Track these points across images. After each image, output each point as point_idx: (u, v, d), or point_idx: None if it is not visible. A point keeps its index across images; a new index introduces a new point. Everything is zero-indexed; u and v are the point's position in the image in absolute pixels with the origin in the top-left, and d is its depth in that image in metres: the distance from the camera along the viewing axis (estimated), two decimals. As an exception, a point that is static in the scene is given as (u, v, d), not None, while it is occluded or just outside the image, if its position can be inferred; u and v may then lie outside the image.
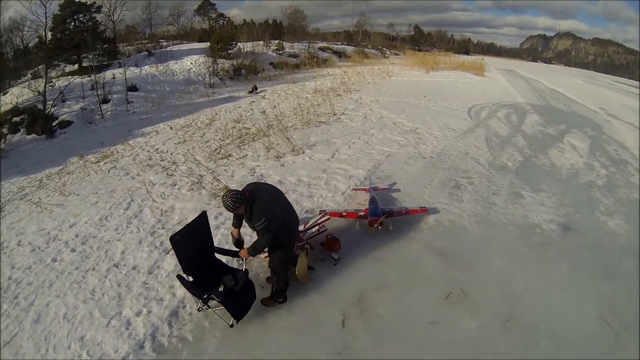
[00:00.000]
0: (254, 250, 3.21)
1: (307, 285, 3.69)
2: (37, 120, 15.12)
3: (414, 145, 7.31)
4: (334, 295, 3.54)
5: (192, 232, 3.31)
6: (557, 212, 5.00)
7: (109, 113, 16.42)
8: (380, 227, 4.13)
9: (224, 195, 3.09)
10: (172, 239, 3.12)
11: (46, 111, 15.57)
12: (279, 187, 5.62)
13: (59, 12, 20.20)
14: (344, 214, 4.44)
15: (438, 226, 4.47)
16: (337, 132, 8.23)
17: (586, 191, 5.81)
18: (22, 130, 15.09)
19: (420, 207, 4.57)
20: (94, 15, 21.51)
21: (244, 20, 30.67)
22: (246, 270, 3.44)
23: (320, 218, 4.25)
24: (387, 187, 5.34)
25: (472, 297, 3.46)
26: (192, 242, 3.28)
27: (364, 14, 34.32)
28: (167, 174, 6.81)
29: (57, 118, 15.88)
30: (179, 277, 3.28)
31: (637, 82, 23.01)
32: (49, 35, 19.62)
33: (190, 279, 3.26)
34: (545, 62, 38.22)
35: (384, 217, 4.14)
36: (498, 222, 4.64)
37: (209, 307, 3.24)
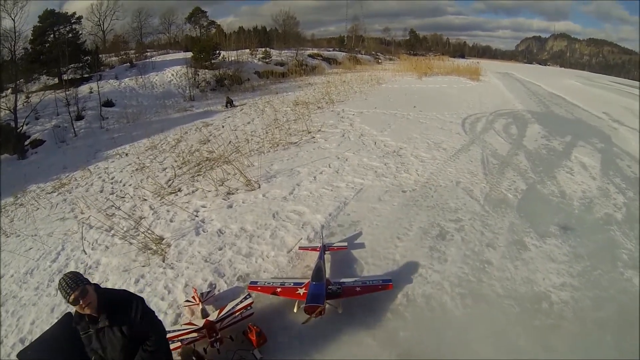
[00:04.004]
0: None
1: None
2: (10, 139, 14.39)
3: (394, 173, 6.14)
4: None
5: (54, 340, 2.53)
6: (570, 269, 3.83)
7: (82, 131, 15.64)
8: (320, 316, 2.97)
9: None
10: (23, 355, 2.43)
11: (18, 129, 14.78)
12: (215, 237, 4.64)
13: (38, 24, 19.53)
14: (279, 290, 3.27)
15: (407, 305, 3.26)
16: (306, 157, 7.11)
17: (604, 231, 4.66)
18: (-6, 150, 14.37)
19: (383, 281, 3.34)
20: (74, 26, 20.79)
21: (240, 27, 29.74)
22: None
23: (241, 302, 3.07)
24: (344, 245, 4.07)
25: None
26: (57, 353, 2.48)
27: (358, 18, 33.46)
28: (107, 214, 6.30)
29: (29, 137, 15.15)
30: None
31: (634, 82, 22.07)
32: (30, 48, 19.01)
33: None
34: (540, 64, 37.41)
35: (324, 306, 2.96)
36: (491, 293, 3.44)
37: None
